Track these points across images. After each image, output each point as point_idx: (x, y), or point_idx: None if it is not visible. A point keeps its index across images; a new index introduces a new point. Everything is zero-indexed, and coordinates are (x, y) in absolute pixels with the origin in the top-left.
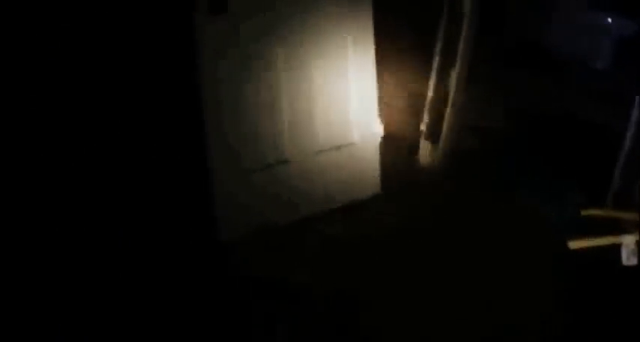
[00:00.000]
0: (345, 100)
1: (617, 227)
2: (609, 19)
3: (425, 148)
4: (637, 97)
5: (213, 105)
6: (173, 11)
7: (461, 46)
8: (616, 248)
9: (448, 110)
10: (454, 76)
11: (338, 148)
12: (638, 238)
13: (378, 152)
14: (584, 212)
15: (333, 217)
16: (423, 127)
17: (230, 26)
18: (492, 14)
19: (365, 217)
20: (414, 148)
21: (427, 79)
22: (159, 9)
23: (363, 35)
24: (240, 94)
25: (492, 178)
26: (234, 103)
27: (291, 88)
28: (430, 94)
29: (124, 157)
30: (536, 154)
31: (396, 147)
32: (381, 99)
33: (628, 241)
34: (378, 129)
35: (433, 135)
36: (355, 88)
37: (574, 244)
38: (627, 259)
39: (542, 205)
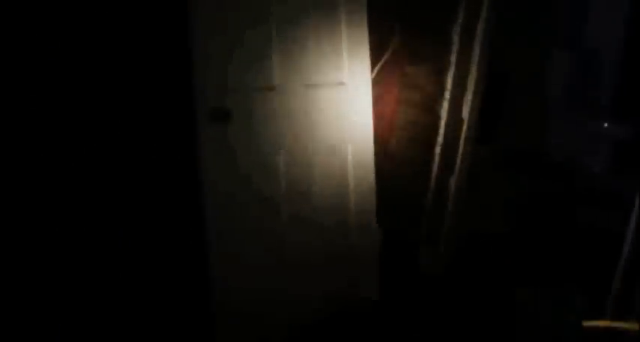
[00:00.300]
0: (343, 201)
1: (620, 336)
2: (605, 124)
3: (425, 252)
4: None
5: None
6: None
7: (460, 151)
8: None
9: (447, 216)
10: (453, 182)
11: (336, 253)
12: None
13: (376, 260)
14: (586, 323)
15: (328, 329)
16: (422, 230)
17: None
18: (491, 121)
19: (361, 331)
20: (414, 252)
21: (428, 181)
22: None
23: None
24: (241, 191)
25: (493, 285)
26: (236, 201)
27: (289, 181)
28: (429, 199)
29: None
30: (537, 258)
31: (395, 250)
32: (379, 200)
33: None
34: (376, 231)
35: (433, 239)
36: (354, 189)
37: None
38: None
39: (544, 311)
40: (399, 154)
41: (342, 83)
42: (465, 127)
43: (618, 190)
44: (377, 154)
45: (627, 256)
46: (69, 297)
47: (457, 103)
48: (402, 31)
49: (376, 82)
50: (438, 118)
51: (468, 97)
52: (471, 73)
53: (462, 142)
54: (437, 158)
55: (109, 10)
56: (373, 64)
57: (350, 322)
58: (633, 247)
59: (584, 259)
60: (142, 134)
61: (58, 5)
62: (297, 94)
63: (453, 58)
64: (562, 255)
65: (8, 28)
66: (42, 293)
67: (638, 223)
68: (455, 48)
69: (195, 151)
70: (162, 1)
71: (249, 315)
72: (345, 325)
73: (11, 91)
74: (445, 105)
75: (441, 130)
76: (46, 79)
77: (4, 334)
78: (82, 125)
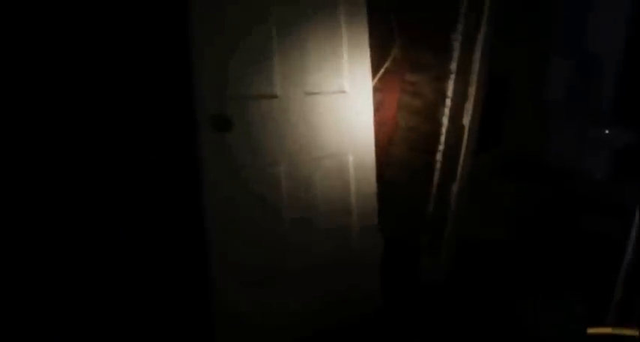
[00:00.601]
0: (345, 207)
1: None
2: (606, 131)
3: (426, 259)
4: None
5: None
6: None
7: (461, 158)
8: None
9: (449, 224)
10: (455, 189)
11: (337, 257)
12: None
13: (378, 265)
14: (590, 330)
15: (329, 333)
16: (424, 237)
17: None
18: (492, 128)
19: (363, 335)
20: (415, 259)
21: (429, 188)
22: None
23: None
24: (242, 196)
25: (495, 292)
26: (237, 205)
27: (290, 187)
28: (431, 206)
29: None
30: (539, 265)
31: (396, 257)
32: (380, 208)
33: None
34: (377, 236)
35: (434, 246)
36: (355, 196)
37: None
38: None
39: (545, 319)
40: (400, 160)
41: (342, 90)
42: (465, 134)
43: (619, 197)
44: (378, 160)
45: (628, 263)
46: (69, 297)
47: (458, 110)
48: (402, 39)
49: (377, 89)
50: (438, 125)
51: (469, 104)
52: (472, 80)
53: (463, 148)
54: (438, 165)
55: (110, 20)
56: (374, 72)
57: (352, 326)
58: (634, 254)
59: (585, 266)
60: (143, 140)
61: (58, 7)
62: (298, 101)
63: (454, 66)
64: (563, 261)
65: (8, 29)
66: (42, 293)
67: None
68: (455, 55)
69: (196, 158)
70: (162, 8)
71: (249, 318)
72: (347, 329)
73: (11, 94)
74: (446, 112)
75: (442, 137)
76: (45, 81)
77: (4, 334)
78: (84, 129)
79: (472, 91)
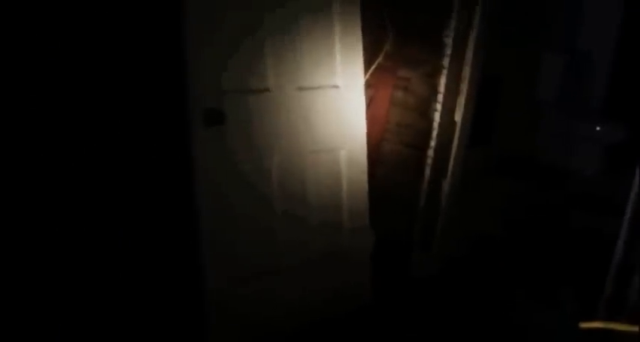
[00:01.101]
0: (337, 202)
1: (613, 337)
2: (597, 128)
3: (418, 255)
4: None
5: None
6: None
7: (452, 155)
8: None
9: (440, 219)
10: (446, 185)
11: (329, 253)
12: None
13: (369, 260)
14: (583, 325)
15: (321, 329)
16: (416, 233)
17: None
18: (483, 126)
19: (354, 332)
20: (407, 254)
21: (421, 184)
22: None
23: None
24: (235, 191)
25: (487, 287)
26: (230, 201)
27: (283, 181)
28: (422, 202)
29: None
30: (531, 261)
31: (389, 253)
32: (372, 204)
33: None
34: (368, 232)
35: (425, 243)
36: (347, 190)
37: None
38: None
39: (536, 315)
40: (392, 156)
41: (335, 86)
42: (457, 130)
43: (610, 193)
44: (370, 156)
45: (619, 257)
46: (65, 297)
47: (450, 106)
48: (395, 35)
49: (369, 85)
50: (430, 121)
51: (461, 100)
52: (464, 76)
53: (454, 145)
54: (430, 161)
55: (103, 12)
56: (366, 67)
57: (343, 322)
58: (625, 248)
59: (577, 262)
60: (137, 135)
61: (52, 4)
62: (291, 96)
63: (446, 62)
64: (554, 257)
65: (7, 29)
66: (40, 293)
67: (630, 225)
68: (448, 51)
69: (189, 153)
70: (156, 2)
71: (242, 315)
72: (339, 324)
73: (9, 94)
74: (438, 108)
75: (434, 133)
76: (43, 78)
77: (3, 333)
78: (79, 127)
79: (464, 87)
